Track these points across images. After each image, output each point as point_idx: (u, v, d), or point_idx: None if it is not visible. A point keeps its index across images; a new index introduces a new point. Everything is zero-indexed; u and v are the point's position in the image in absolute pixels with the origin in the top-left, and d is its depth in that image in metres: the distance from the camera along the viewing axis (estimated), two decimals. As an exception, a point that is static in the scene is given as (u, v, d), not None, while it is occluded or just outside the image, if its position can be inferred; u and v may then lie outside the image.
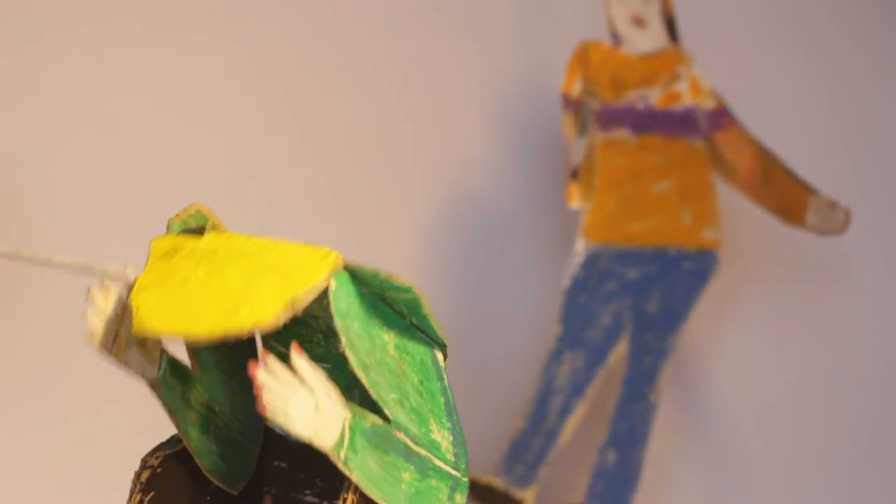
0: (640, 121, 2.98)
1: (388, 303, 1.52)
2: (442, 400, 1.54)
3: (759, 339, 3.20)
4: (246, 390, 1.66)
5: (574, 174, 2.98)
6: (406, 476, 1.49)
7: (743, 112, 3.05)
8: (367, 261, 2.91)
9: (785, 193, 2.99)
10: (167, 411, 1.58)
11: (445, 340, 1.55)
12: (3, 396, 2.35)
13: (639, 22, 3.01)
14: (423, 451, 1.51)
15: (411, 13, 3.00)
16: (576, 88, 3.00)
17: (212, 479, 1.59)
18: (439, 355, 1.55)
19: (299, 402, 1.42)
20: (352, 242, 2.88)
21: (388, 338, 1.52)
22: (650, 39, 3.01)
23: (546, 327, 3.05)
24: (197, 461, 1.58)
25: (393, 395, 1.50)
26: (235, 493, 1.62)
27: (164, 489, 1.57)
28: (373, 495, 1.47)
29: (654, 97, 2.99)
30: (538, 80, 3.16)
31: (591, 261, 2.97)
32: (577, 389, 2.97)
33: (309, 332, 1.56)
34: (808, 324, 3.20)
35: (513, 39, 3.14)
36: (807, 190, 2.98)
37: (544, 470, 2.96)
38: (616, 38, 3.02)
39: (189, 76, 2.61)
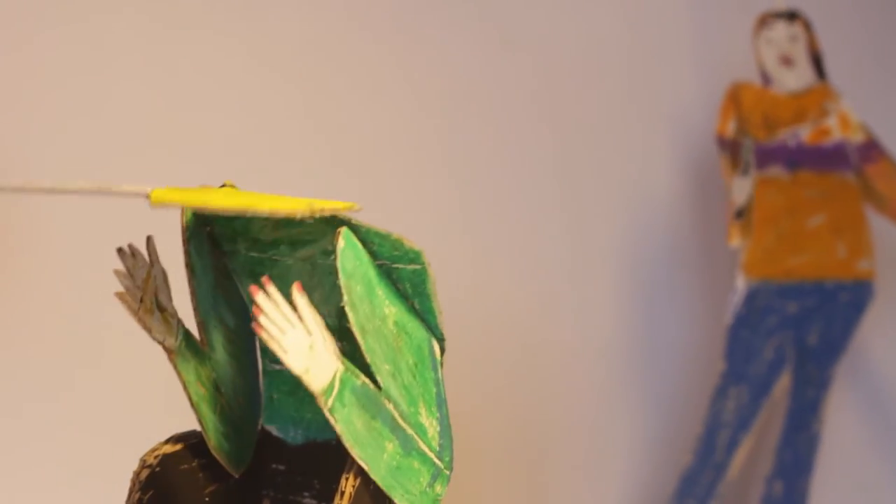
0: (793, 157, 3.04)
1: (394, 280, 1.53)
2: (434, 390, 1.54)
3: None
4: (247, 377, 1.68)
5: (739, 214, 3.05)
6: (389, 447, 1.49)
7: (892, 144, 3.11)
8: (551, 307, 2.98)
9: (937, 222, 3.06)
10: (182, 384, 1.61)
11: (444, 333, 1.55)
12: (3, 396, 2.36)
13: (787, 61, 3.07)
14: (409, 430, 1.51)
15: (592, 60, 3.06)
16: (730, 129, 3.07)
17: (216, 456, 1.61)
18: (436, 347, 1.56)
19: (295, 336, 1.44)
20: (516, 276, 2.95)
21: (389, 312, 1.52)
22: (798, 77, 3.07)
23: (710, 364, 3.12)
24: (205, 437, 1.60)
25: (387, 367, 1.51)
26: (236, 476, 1.64)
27: (163, 488, 1.58)
28: (354, 452, 1.47)
29: (804, 134, 3.05)
30: (698, 121, 3.23)
31: (751, 297, 3.04)
32: (743, 423, 3.03)
33: None
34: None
35: (673, 81, 3.20)
36: (959, 218, 3.04)
37: (714, 503, 3.03)
38: (766, 78, 3.08)
39: (219, 71, 2.62)
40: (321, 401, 1.44)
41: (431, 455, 1.53)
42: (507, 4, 2.93)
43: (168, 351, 1.59)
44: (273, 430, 1.65)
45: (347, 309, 1.47)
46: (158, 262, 1.59)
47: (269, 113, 2.60)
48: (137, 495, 1.56)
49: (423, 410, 1.53)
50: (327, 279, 1.55)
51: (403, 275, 1.52)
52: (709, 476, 3.04)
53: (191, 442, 1.61)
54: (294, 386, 1.63)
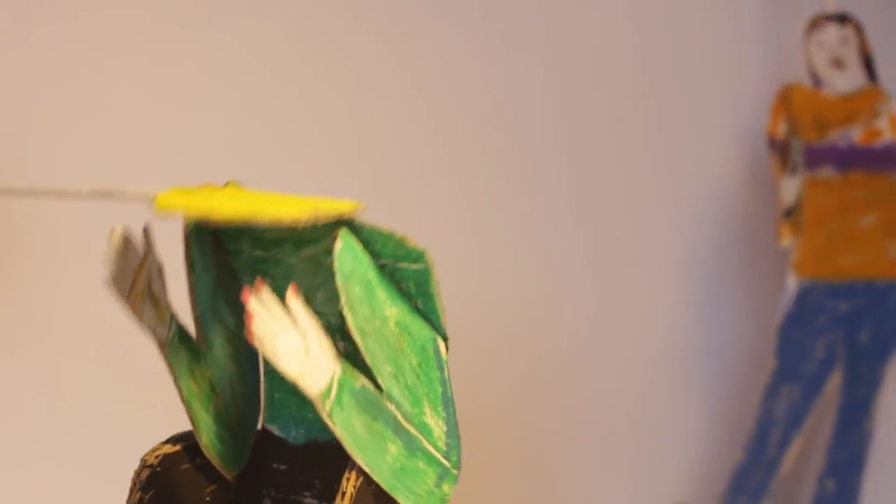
0: (844, 158, 3.07)
1: (397, 280, 1.50)
2: (440, 389, 1.50)
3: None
4: (246, 380, 1.65)
5: (788, 214, 3.09)
6: (392, 449, 1.46)
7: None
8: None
9: None
10: (173, 377, 1.57)
11: (447, 332, 1.52)
12: (3, 395, 2.33)
13: (838, 63, 3.09)
14: (413, 431, 1.48)
15: (628, 59, 3.08)
16: (780, 130, 3.11)
17: (208, 456, 1.57)
18: (442, 345, 1.51)
19: (288, 340, 1.40)
20: (567, 278, 2.99)
21: (391, 313, 1.48)
22: (849, 79, 3.10)
23: (762, 362, 3.16)
24: (196, 435, 1.57)
25: (388, 368, 1.47)
26: (229, 479, 1.60)
27: (164, 488, 1.56)
28: (354, 455, 1.44)
29: (855, 135, 3.07)
30: (748, 123, 3.25)
31: (802, 296, 3.07)
32: (794, 421, 3.07)
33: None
34: None
35: (725, 83, 3.23)
36: None
37: (766, 501, 3.06)
38: (816, 80, 3.11)
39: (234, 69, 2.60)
40: (319, 405, 1.42)
41: (437, 455, 1.49)
42: (541, 3, 2.96)
43: (159, 343, 1.56)
44: (274, 429, 1.63)
45: (345, 311, 1.44)
46: (154, 252, 1.55)
47: (273, 111, 2.59)
48: (138, 495, 1.55)
49: (427, 410, 1.49)
50: (331, 279, 1.52)
51: (407, 274, 1.49)
52: (761, 473, 3.07)
53: (191, 442, 1.59)
54: (295, 385, 1.55)
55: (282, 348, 1.40)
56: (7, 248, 2.31)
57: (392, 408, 1.46)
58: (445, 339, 1.51)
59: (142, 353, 2.24)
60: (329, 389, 1.42)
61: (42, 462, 2.33)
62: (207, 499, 1.59)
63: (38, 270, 2.34)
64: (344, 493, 1.45)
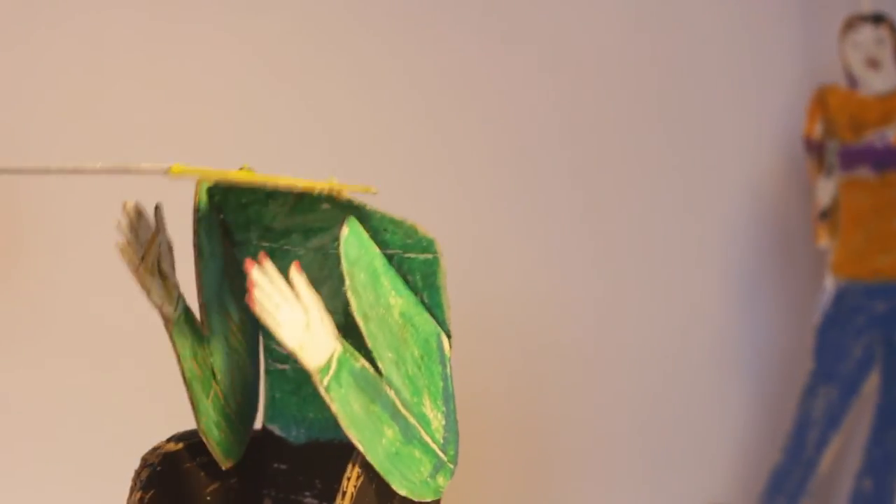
0: (880, 159, 3.06)
1: (404, 272, 1.49)
2: (440, 384, 1.49)
3: None
4: (247, 374, 1.65)
5: (824, 215, 3.09)
6: (389, 433, 1.45)
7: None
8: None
9: None
10: (177, 356, 1.57)
11: (450, 328, 1.50)
12: (4, 394, 2.32)
13: (873, 64, 3.09)
14: (411, 419, 1.47)
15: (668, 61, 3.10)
16: (816, 132, 3.11)
17: (205, 441, 1.57)
18: (445, 341, 1.50)
19: (290, 312, 1.40)
20: (603, 278, 3.01)
21: (395, 302, 1.48)
22: (885, 79, 3.09)
23: (799, 363, 3.16)
24: (195, 417, 1.57)
25: (389, 355, 1.46)
26: (223, 468, 1.60)
27: (165, 487, 1.56)
28: (350, 434, 1.43)
29: (892, 135, 3.07)
30: (785, 124, 3.26)
31: (840, 297, 3.08)
32: (832, 422, 3.07)
33: None
34: None
35: (762, 84, 3.23)
36: None
37: (805, 500, 3.07)
38: (852, 81, 3.11)
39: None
40: (316, 379, 1.41)
41: (434, 446, 1.48)
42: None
43: (165, 319, 1.57)
44: (275, 429, 1.63)
45: (349, 294, 1.44)
46: (165, 231, 1.57)
47: (276, 110, 2.59)
48: (139, 494, 1.55)
49: (427, 402, 1.48)
50: (337, 272, 1.51)
51: (414, 265, 1.48)
52: (799, 473, 3.08)
53: (192, 441, 1.59)
54: (297, 385, 1.61)
55: (283, 319, 1.40)
56: (8, 247, 2.31)
57: (391, 393, 1.46)
58: (449, 335, 1.50)
59: (142, 352, 2.30)
60: (328, 365, 1.42)
61: (43, 461, 2.32)
62: (208, 498, 1.59)
63: (38, 270, 2.34)
64: (344, 493, 1.44)
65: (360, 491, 1.45)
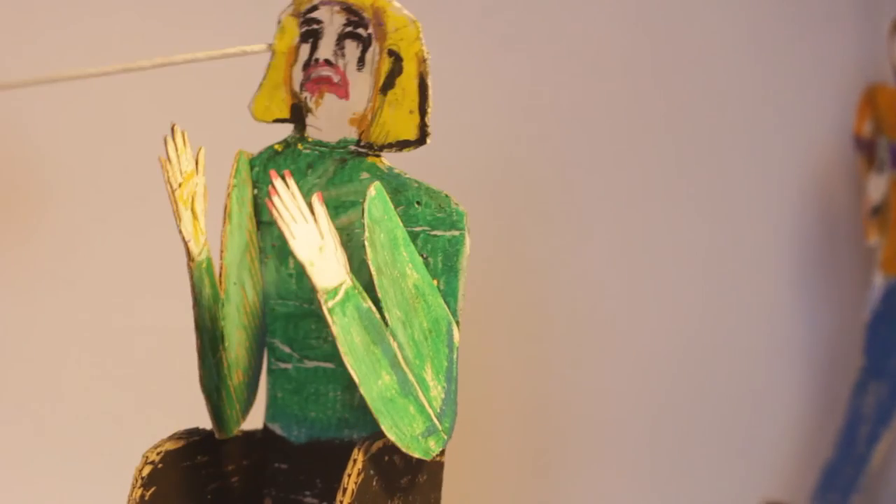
0: (929, 157, 3.07)
1: (428, 252, 1.47)
2: (445, 364, 1.45)
3: None
4: (252, 357, 1.62)
5: (874, 212, 3.09)
6: (386, 378, 1.42)
7: None
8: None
9: None
10: (193, 300, 1.55)
11: (459, 321, 1.48)
12: (3, 393, 2.30)
13: (923, 63, 3.09)
14: (410, 376, 1.44)
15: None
16: (866, 129, 3.11)
17: (204, 401, 1.56)
18: (456, 331, 1.47)
19: (306, 228, 1.38)
20: (656, 278, 3.03)
21: (411, 273, 1.45)
22: (935, 78, 3.10)
23: (849, 359, 3.17)
24: (198, 373, 1.55)
25: (398, 313, 1.43)
26: (218, 437, 1.59)
27: (165, 485, 1.54)
28: (347, 361, 1.40)
29: (941, 133, 3.07)
30: (836, 122, 3.26)
31: (889, 293, 3.07)
32: (883, 418, 3.06)
33: None
34: None
35: (810, 83, 3.24)
36: None
37: (857, 497, 3.06)
38: (902, 79, 3.11)
39: None
40: (322, 298, 1.38)
41: (430, 410, 1.45)
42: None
43: (189, 257, 1.54)
44: (276, 428, 1.62)
45: (367, 244, 1.42)
46: (203, 174, 1.56)
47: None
48: (140, 491, 1.52)
49: (429, 370, 1.45)
50: (358, 253, 1.49)
51: (438, 244, 1.47)
52: (850, 470, 3.08)
53: (193, 439, 1.58)
54: (298, 384, 1.60)
55: (298, 233, 1.38)
56: (8, 246, 2.29)
57: (394, 345, 1.43)
58: (458, 324, 1.48)
59: (144, 348, 2.31)
60: (336, 291, 1.39)
61: (42, 459, 2.31)
62: (209, 496, 1.59)
63: (38, 269, 2.32)
64: (345, 490, 1.43)
65: (361, 487, 1.44)
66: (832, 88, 3.25)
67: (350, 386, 1.55)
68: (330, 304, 1.39)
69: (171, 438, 1.58)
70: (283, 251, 1.61)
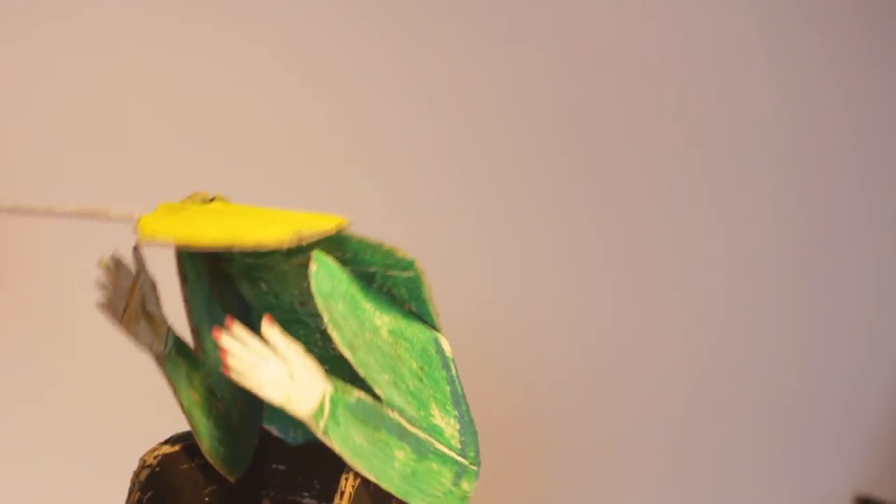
0: None
1: (388, 286, 1.46)
2: (447, 388, 1.45)
3: None
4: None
5: None
6: (400, 455, 1.42)
7: None
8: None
9: None
10: (172, 390, 1.55)
11: (442, 331, 1.46)
12: (1, 394, 2.30)
13: None
14: (421, 434, 1.44)
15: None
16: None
17: (211, 461, 1.56)
18: (445, 343, 1.46)
19: (269, 368, 1.37)
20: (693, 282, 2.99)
21: (382, 322, 1.44)
22: None
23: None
24: (198, 442, 1.55)
25: (385, 377, 1.43)
26: (233, 481, 1.59)
27: (163, 488, 1.54)
28: (358, 468, 1.40)
29: None
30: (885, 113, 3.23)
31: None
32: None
33: (307, 331, 1.52)
34: None
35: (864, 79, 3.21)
36: None
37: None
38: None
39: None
40: (312, 425, 1.38)
41: (452, 453, 1.45)
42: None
43: (156, 358, 1.55)
44: (273, 430, 1.63)
45: (330, 329, 1.41)
46: (146, 271, 1.54)
47: (267, 114, 2.55)
48: (137, 495, 1.54)
49: (436, 412, 1.45)
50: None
51: (399, 281, 1.45)
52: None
53: (190, 442, 1.58)
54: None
55: (264, 378, 1.38)
56: (7, 245, 2.33)
57: (395, 415, 1.43)
58: (443, 336, 1.47)
59: (142, 353, 2.30)
60: (321, 408, 1.39)
61: (40, 462, 2.33)
62: (207, 499, 1.59)
63: (37, 268, 2.34)
64: (342, 493, 1.43)
65: (358, 491, 1.44)
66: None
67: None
68: (321, 425, 1.38)
69: (167, 442, 1.58)
70: (249, 276, 1.60)
